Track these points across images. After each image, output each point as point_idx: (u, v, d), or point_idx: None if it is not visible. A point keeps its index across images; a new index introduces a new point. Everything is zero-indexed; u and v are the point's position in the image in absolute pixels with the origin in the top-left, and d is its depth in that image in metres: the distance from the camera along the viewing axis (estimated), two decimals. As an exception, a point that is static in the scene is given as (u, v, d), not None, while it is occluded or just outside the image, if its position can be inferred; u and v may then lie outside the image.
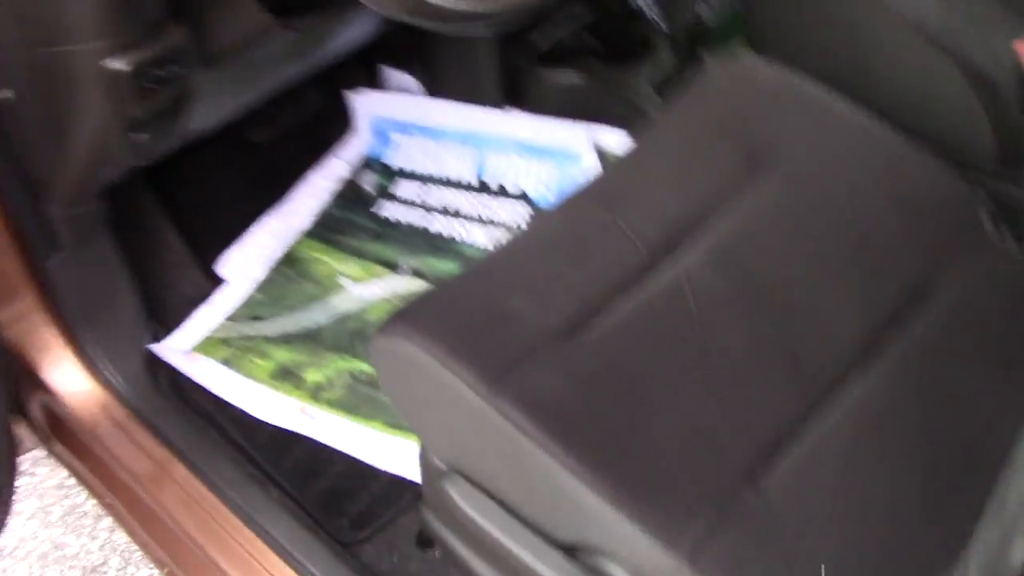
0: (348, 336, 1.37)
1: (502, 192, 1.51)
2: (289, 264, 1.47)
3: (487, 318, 0.92)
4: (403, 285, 1.42)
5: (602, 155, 1.45)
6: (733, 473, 0.85)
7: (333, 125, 1.61)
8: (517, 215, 1.48)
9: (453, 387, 0.88)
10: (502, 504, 0.92)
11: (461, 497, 0.95)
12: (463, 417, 0.90)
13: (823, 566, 0.81)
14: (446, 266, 1.44)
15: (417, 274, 1.44)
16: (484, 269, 1.00)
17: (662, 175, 1.07)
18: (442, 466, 0.98)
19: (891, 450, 0.90)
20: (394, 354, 0.93)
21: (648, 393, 0.89)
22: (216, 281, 1.44)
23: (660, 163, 1.09)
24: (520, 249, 1.01)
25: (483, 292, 0.96)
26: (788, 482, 0.86)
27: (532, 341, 0.90)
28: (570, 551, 0.90)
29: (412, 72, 1.61)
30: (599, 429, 0.86)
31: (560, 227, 1.03)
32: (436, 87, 1.60)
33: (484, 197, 1.51)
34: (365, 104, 1.61)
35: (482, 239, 1.46)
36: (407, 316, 0.94)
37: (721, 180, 1.05)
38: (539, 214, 1.06)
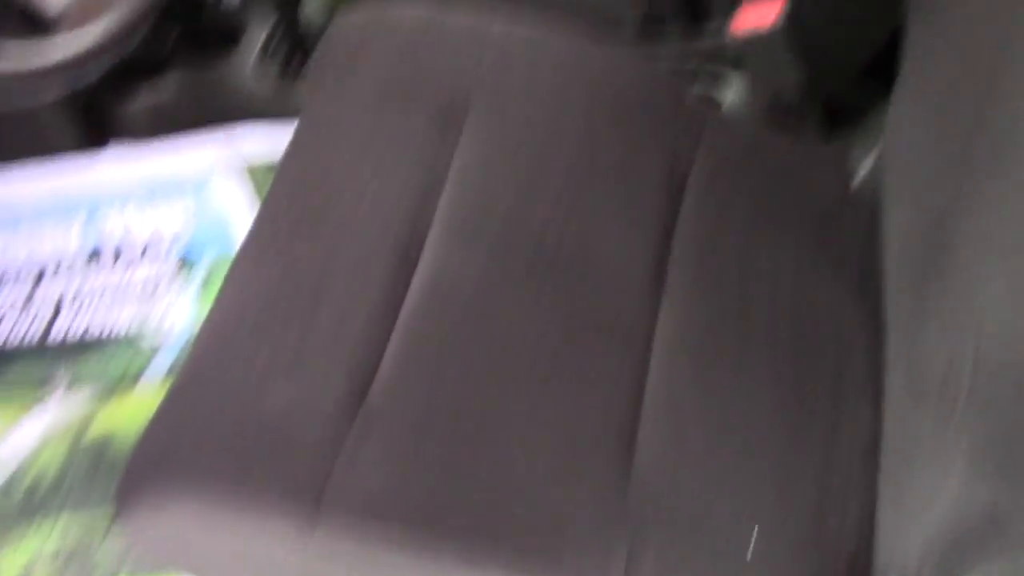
0: (21, 503, 1.06)
1: (128, 255, 1.23)
2: None
3: (255, 432, 0.71)
4: (66, 413, 1.12)
5: (241, 164, 1.22)
6: (614, 477, 0.72)
7: None
8: (159, 275, 1.22)
9: (262, 534, 0.66)
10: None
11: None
12: (289, 563, 0.68)
13: (756, 526, 0.71)
14: (103, 369, 1.15)
15: (73, 390, 1.14)
16: (207, 369, 0.76)
17: (353, 171, 0.88)
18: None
19: (732, 360, 0.81)
20: (160, 526, 0.69)
21: (481, 428, 0.73)
22: None
23: (341, 156, 0.90)
24: (235, 324, 0.79)
25: (229, 399, 0.73)
26: (658, 455, 0.75)
27: (324, 434, 0.70)
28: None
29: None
30: (459, 499, 0.69)
31: (273, 275, 0.81)
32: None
33: (110, 269, 1.22)
34: None
35: (127, 320, 1.19)
36: (158, 470, 0.69)
37: (423, 152, 0.89)
38: (231, 270, 0.83)
